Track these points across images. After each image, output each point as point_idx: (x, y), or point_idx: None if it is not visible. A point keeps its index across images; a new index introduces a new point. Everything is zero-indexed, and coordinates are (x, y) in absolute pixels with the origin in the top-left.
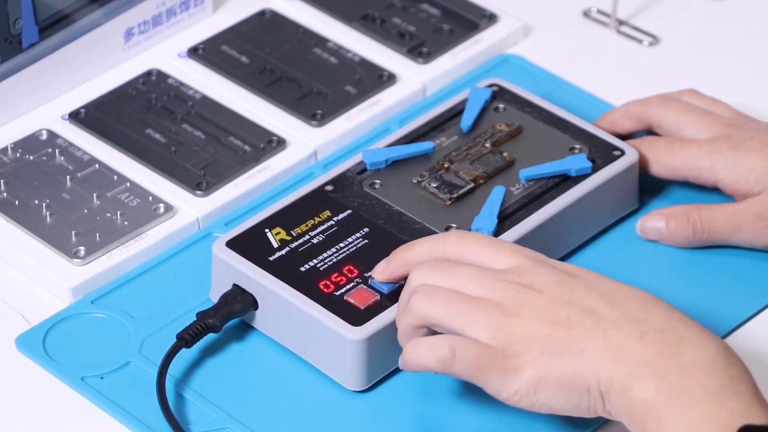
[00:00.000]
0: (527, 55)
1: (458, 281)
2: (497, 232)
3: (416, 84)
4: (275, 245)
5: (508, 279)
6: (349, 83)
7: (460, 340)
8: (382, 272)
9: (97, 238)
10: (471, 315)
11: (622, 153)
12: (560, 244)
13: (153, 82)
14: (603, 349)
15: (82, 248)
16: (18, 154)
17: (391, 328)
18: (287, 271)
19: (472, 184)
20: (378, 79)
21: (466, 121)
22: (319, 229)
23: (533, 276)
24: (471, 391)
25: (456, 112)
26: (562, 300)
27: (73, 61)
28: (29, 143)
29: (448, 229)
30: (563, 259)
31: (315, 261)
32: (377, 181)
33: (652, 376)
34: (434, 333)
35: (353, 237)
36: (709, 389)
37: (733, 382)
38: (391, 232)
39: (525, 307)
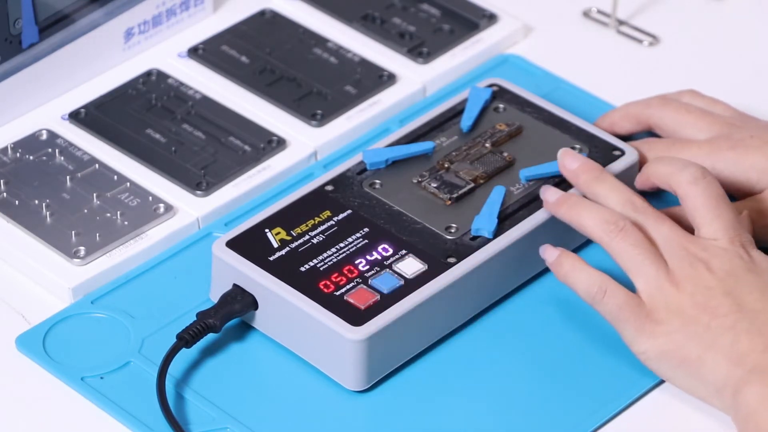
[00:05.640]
0: (527, 55)
1: (653, 233)
2: (497, 233)
3: (416, 84)
4: (275, 245)
5: (693, 248)
6: (349, 83)
7: (614, 286)
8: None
9: (97, 238)
10: (644, 266)
11: (622, 153)
12: (560, 245)
13: (153, 82)
14: (729, 350)
15: (82, 248)
16: (18, 154)
17: (391, 328)
18: (287, 271)
19: (472, 184)
20: (378, 79)
21: (466, 121)
22: (319, 229)
23: (715, 257)
24: (471, 392)
25: (456, 112)
26: (723, 289)
27: (73, 61)
28: (29, 143)
29: (448, 229)
30: None
31: (315, 261)
32: (377, 181)
33: (760, 383)
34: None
35: (353, 237)
36: None
37: None
38: (391, 232)
39: (689, 281)
